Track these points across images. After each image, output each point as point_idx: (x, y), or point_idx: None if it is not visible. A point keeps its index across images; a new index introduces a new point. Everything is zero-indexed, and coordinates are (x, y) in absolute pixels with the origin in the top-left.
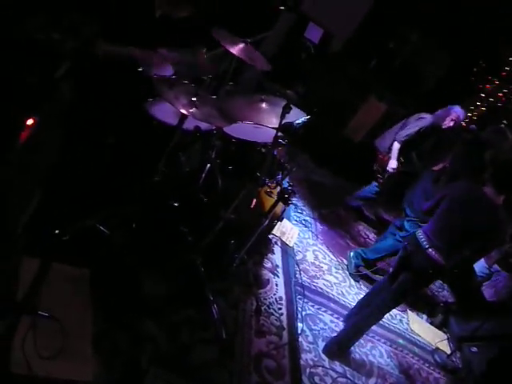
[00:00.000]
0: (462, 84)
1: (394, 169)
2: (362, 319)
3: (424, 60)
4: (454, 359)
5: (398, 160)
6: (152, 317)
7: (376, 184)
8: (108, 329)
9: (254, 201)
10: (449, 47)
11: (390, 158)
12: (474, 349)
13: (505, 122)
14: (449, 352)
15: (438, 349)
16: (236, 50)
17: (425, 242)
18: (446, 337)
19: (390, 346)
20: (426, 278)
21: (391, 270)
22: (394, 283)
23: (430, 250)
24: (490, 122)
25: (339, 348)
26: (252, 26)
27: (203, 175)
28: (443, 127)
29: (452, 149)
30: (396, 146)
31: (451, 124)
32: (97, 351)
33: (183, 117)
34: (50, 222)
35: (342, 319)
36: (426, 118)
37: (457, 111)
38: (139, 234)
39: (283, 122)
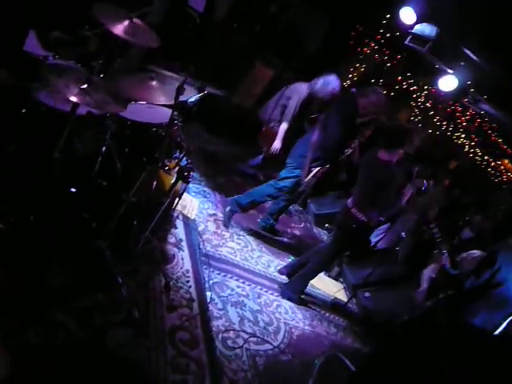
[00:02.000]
0: (341, 46)
1: (277, 150)
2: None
3: (305, 23)
4: (351, 305)
5: (284, 140)
6: (60, 306)
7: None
8: (14, 325)
9: (155, 183)
10: (328, 11)
11: (273, 131)
12: (367, 294)
13: (381, 81)
14: (346, 300)
15: (336, 298)
16: (119, 28)
17: (350, 204)
18: (342, 286)
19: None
20: (352, 233)
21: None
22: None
23: (353, 209)
24: (367, 82)
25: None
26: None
27: (100, 159)
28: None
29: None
30: (284, 126)
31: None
32: (6, 350)
33: (75, 105)
34: None
35: (247, 283)
36: (302, 91)
37: (332, 83)
38: (38, 225)
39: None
